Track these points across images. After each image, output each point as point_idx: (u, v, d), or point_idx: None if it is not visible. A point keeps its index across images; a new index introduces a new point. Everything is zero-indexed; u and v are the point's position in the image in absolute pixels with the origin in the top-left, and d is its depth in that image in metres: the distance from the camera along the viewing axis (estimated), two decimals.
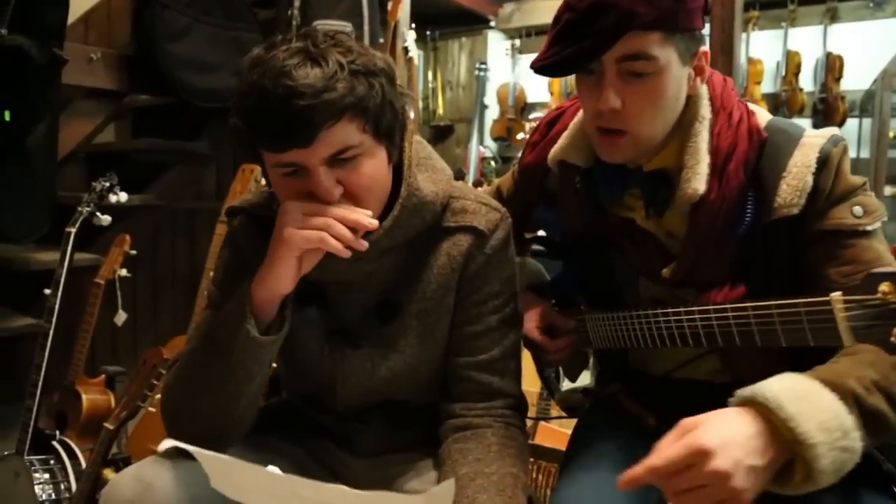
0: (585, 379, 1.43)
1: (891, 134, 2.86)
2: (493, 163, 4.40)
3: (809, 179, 0.90)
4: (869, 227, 0.90)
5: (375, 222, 0.89)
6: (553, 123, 1.15)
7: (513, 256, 1.06)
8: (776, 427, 0.72)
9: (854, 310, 0.64)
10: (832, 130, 0.94)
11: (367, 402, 1.06)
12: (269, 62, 0.82)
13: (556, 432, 2.07)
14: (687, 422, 0.72)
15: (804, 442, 0.70)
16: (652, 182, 1.00)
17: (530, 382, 1.45)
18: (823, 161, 0.90)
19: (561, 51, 0.91)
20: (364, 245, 0.89)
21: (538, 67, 0.94)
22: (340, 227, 0.86)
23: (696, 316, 0.86)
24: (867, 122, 3.24)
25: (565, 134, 1.09)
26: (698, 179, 0.93)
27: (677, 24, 0.89)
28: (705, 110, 0.97)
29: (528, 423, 1.19)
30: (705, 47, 0.96)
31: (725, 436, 0.70)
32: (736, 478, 0.68)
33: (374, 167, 0.89)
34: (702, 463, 0.68)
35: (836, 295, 0.67)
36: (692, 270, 0.98)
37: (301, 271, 0.90)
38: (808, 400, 0.73)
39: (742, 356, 0.94)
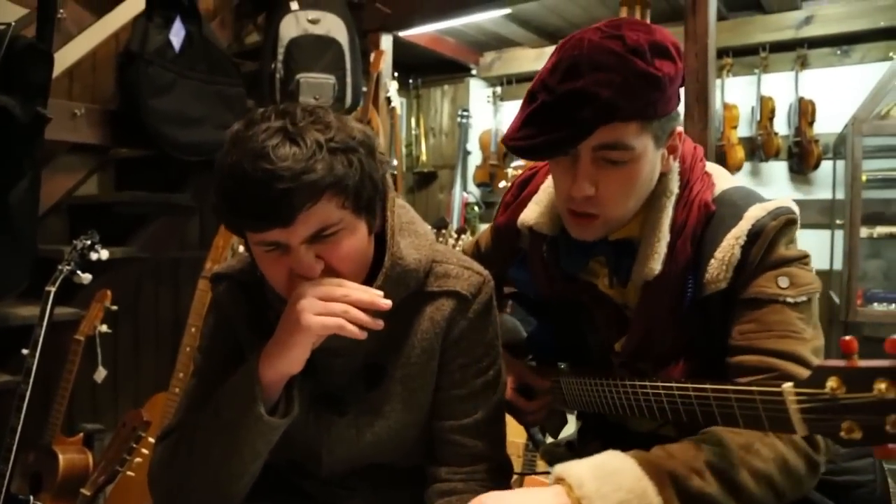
0: (572, 425, 1.42)
1: (864, 177, 2.92)
2: (476, 208, 4.43)
3: (737, 252, 0.88)
4: (790, 299, 0.87)
5: (388, 302, 0.89)
6: (525, 184, 1.15)
7: (496, 319, 1.06)
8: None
9: (805, 402, 0.63)
10: (782, 203, 0.92)
11: (352, 468, 1.05)
12: (249, 142, 0.82)
13: (543, 484, 2.04)
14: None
15: None
16: (616, 251, 0.99)
17: (516, 433, 1.43)
18: (756, 234, 0.88)
19: (535, 135, 0.89)
20: (380, 324, 0.89)
21: (511, 147, 0.92)
22: (356, 311, 0.86)
23: (662, 392, 0.84)
24: (841, 164, 3.31)
25: (535, 199, 1.09)
26: (656, 259, 0.92)
27: (656, 112, 0.88)
28: (674, 185, 0.96)
29: (513, 477, 1.18)
30: (680, 126, 0.95)
31: (508, 498, 0.73)
32: None
33: (355, 242, 0.90)
34: None
35: (787, 386, 0.66)
36: (641, 346, 0.97)
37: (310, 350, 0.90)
38: (611, 477, 0.74)
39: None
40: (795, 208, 0.92)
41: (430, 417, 1.04)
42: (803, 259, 0.90)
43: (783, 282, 0.87)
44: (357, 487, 1.06)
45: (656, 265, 0.92)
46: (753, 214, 0.89)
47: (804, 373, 0.72)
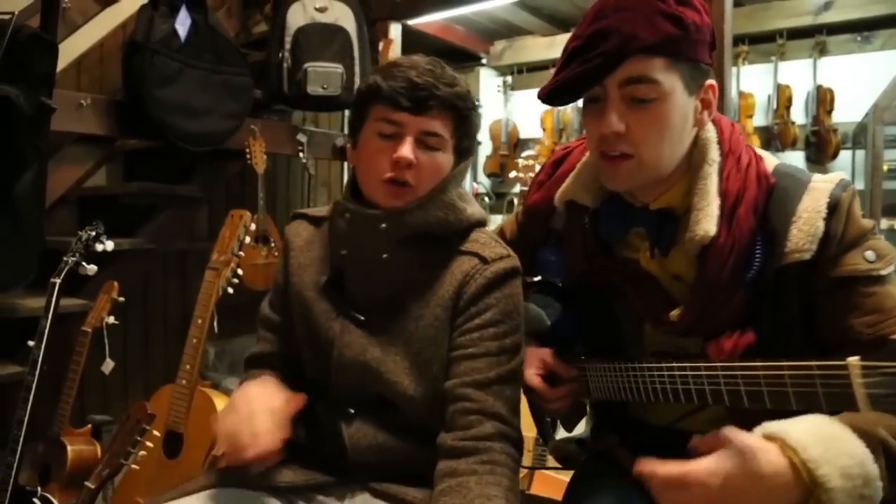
0: (580, 427, 1.39)
1: (885, 167, 2.85)
2: (486, 199, 4.39)
3: (821, 224, 0.89)
4: (883, 272, 0.89)
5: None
6: (560, 163, 1.17)
7: (518, 295, 1.07)
8: (797, 467, 0.71)
9: (873, 377, 0.61)
10: (840, 175, 0.93)
11: (359, 388, 1.07)
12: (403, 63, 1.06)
13: (553, 479, 2.01)
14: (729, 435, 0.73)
15: (823, 485, 0.69)
16: (657, 220, 0.99)
17: (527, 428, 1.40)
18: (833, 206, 0.90)
19: (566, 75, 0.92)
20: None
21: (545, 94, 0.96)
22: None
23: (703, 373, 0.83)
24: (860, 153, 3.24)
25: (573, 174, 1.11)
26: (709, 221, 0.92)
27: (680, 51, 0.90)
28: (714, 153, 0.97)
29: (523, 472, 1.15)
30: (712, 80, 0.96)
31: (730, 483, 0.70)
32: None
33: (441, 161, 1.07)
34: (695, 490, 0.71)
35: (853, 360, 0.63)
36: (700, 316, 0.95)
37: None
38: (832, 443, 0.72)
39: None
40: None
41: (444, 378, 1.04)
42: (874, 229, 0.92)
43: (870, 255, 0.89)
44: (361, 414, 1.07)
45: (711, 226, 0.92)
46: (823, 187, 0.91)
47: None
